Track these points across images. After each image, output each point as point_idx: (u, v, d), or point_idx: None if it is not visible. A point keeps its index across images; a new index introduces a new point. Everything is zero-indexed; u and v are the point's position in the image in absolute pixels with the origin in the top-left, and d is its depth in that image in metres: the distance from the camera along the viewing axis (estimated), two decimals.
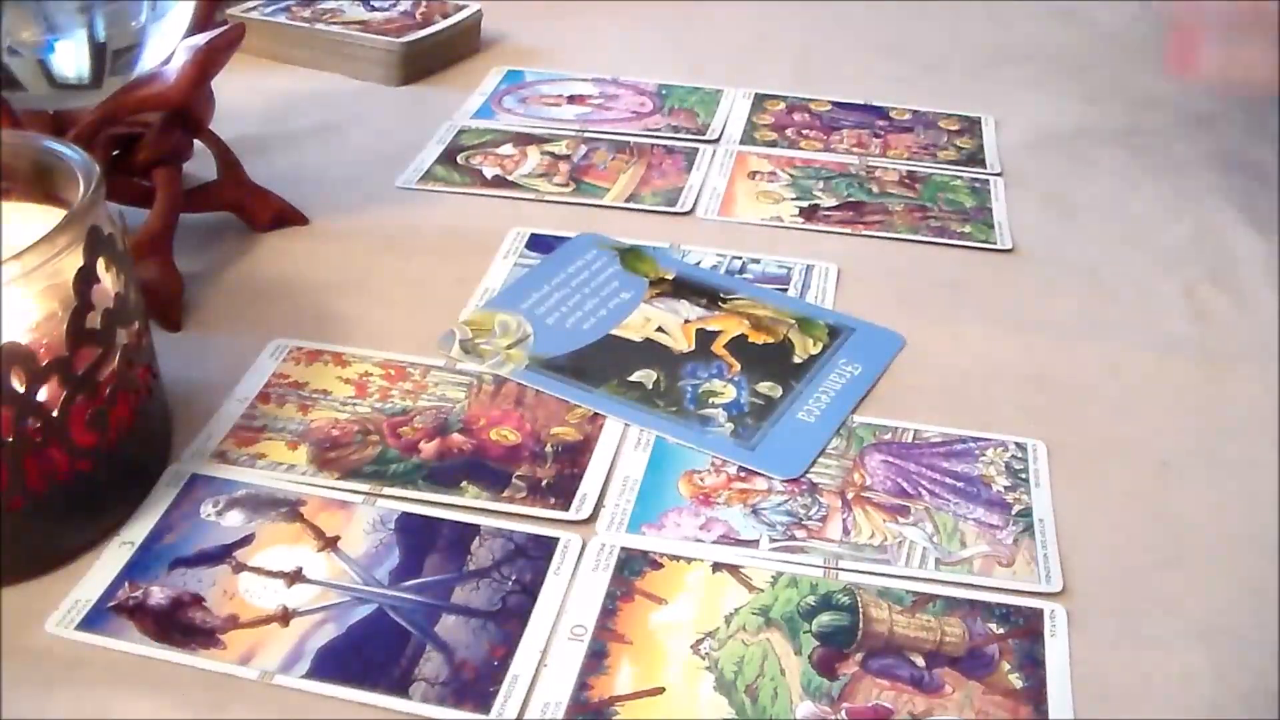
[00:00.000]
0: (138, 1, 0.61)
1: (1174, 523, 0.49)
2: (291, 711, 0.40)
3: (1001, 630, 0.44)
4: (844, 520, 0.48)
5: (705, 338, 0.58)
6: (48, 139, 0.48)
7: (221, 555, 0.46)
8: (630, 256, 0.64)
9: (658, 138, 0.77)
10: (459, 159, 0.74)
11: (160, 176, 0.62)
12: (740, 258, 0.64)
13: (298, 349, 0.57)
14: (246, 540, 0.46)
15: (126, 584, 0.44)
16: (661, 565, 0.46)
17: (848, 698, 0.41)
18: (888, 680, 0.42)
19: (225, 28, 0.61)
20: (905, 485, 0.50)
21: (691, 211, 0.69)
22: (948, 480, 0.50)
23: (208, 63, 0.60)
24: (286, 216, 0.66)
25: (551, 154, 0.74)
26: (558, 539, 0.47)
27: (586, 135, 0.77)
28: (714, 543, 0.47)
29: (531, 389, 0.54)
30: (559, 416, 0.53)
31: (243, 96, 0.76)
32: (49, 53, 0.60)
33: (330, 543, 0.46)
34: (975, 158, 0.76)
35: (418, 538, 0.47)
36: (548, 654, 0.42)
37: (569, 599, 0.44)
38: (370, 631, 0.43)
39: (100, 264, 0.44)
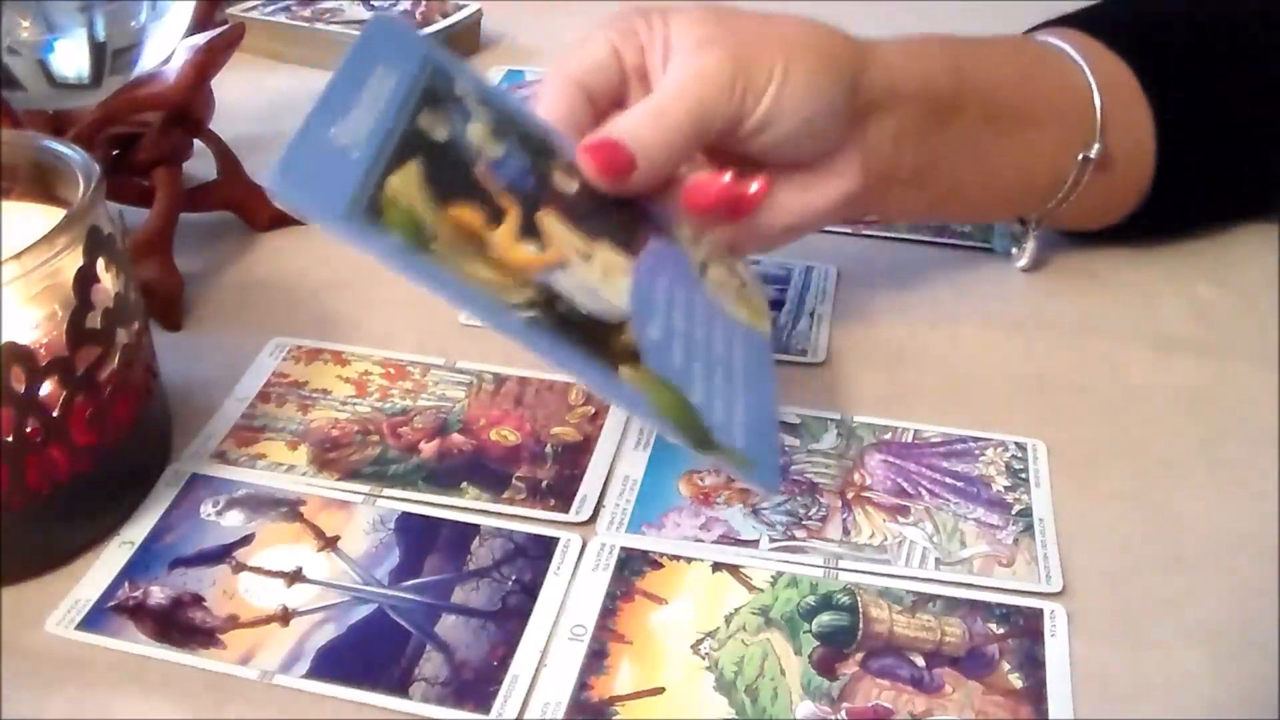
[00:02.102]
0: (138, 1, 0.61)
1: (1174, 523, 0.49)
2: (291, 711, 0.40)
3: (1001, 630, 0.44)
4: (844, 520, 0.48)
5: None
6: (48, 139, 0.48)
7: (221, 555, 0.46)
8: None
9: None
10: None
11: (160, 176, 0.62)
12: None
13: (297, 347, 0.57)
14: (246, 540, 0.46)
15: (126, 584, 0.44)
16: (661, 565, 0.46)
17: (848, 698, 0.41)
18: (888, 680, 0.42)
19: (225, 28, 0.61)
20: (905, 485, 0.50)
21: None
22: (948, 480, 0.50)
23: (208, 63, 0.60)
24: (286, 216, 0.66)
25: None
26: (558, 539, 0.47)
27: None
28: (714, 543, 0.47)
29: (531, 389, 0.54)
30: (559, 416, 0.53)
31: (243, 96, 0.76)
32: (49, 52, 0.60)
33: (330, 543, 0.46)
34: None
35: (418, 537, 0.47)
36: (548, 654, 0.42)
37: (569, 599, 0.44)
38: (370, 631, 0.43)
39: (100, 264, 0.44)
